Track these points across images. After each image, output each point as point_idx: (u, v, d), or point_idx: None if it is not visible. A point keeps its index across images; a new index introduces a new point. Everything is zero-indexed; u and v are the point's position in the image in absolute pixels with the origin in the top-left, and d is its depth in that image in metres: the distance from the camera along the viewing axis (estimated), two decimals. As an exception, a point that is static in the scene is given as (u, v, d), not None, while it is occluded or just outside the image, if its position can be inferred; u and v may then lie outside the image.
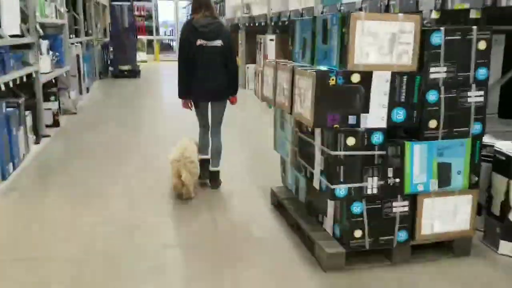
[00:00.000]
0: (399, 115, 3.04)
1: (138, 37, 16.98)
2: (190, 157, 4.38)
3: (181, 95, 4.68)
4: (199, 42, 4.49)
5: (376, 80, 2.96)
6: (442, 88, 3.07)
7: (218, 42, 4.52)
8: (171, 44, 25.05)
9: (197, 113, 4.78)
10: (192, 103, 4.70)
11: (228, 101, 4.76)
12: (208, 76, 4.54)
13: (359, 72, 2.94)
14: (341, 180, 3.01)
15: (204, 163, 4.75)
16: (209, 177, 4.81)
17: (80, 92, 9.93)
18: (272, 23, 9.76)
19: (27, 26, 6.23)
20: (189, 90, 4.62)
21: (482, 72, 3.12)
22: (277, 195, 4.12)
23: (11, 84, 5.32)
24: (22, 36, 5.96)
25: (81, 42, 10.64)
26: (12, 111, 5.21)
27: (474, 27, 3.08)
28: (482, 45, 3.09)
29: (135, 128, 7.62)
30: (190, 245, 3.62)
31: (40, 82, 6.42)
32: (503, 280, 3.12)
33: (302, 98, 3.13)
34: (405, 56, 3.00)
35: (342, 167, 3.00)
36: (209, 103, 4.72)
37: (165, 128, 7.61)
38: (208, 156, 4.80)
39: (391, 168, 3.06)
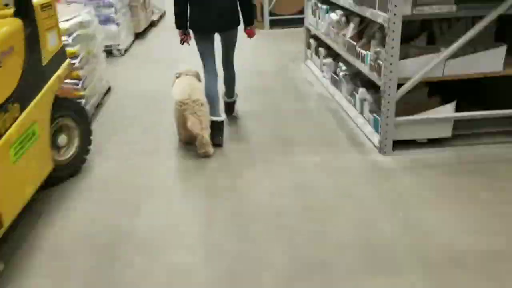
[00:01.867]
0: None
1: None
2: (200, 100, 3.67)
3: (179, 26, 3.85)
4: None
5: None
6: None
7: None
8: None
9: (200, 49, 3.93)
10: (192, 36, 3.91)
11: (242, 32, 3.98)
12: (213, 0, 3.68)
13: None
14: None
15: (215, 125, 3.87)
16: (224, 107, 4.36)
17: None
18: None
19: None
20: (188, 19, 3.81)
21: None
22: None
23: None
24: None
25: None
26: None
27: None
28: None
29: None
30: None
31: None
32: None
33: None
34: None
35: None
36: (216, 35, 3.91)
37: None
38: (222, 118, 3.96)
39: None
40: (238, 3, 3.81)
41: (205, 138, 3.62)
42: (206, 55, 3.93)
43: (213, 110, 3.90)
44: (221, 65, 4.14)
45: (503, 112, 3.61)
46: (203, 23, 3.78)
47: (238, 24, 3.91)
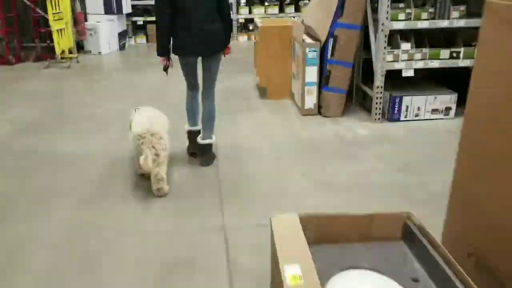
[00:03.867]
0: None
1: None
2: (159, 133, 3.47)
3: (161, 52, 3.63)
4: None
5: None
6: None
7: None
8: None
9: (185, 71, 3.80)
10: (172, 62, 3.75)
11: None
12: (199, 24, 3.55)
13: None
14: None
15: (192, 135, 3.98)
16: (198, 151, 4.00)
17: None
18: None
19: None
20: (171, 46, 3.66)
21: None
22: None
23: None
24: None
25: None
26: None
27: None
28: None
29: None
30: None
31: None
32: None
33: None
34: None
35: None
36: (200, 59, 3.76)
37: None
38: (198, 127, 3.96)
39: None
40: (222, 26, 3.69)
41: (160, 174, 3.39)
42: (190, 75, 3.84)
43: (192, 121, 3.97)
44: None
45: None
46: (189, 47, 3.64)
47: (224, 48, 3.77)
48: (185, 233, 2.99)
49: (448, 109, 4.92)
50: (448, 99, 4.90)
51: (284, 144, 4.41)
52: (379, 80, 4.79)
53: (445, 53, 4.81)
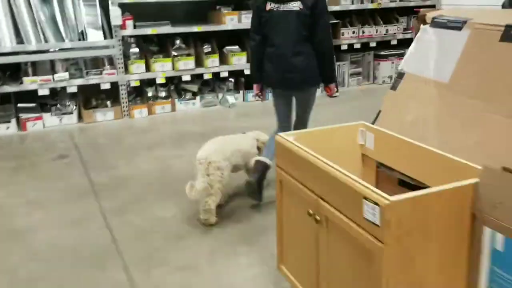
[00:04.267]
0: None
1: None
2: (216, 162, 3.22)
3: (253, 79, 3.64)
4: (268, 6, 3.36)
5: None
6: None
7: (296, 5, 3.28)
8: None
9: (274, 101, 3.64)
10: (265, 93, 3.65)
11: (320, 90, 3.66)
12: (281, 54, 3.36)
13: None
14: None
15: (259, 168, 3.39)
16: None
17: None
18: None
19: None
20: (260, 74, 3.52)
21: None
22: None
23: None
24: None
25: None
26: None
27: None
28: None
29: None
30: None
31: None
32: None
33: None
34: None
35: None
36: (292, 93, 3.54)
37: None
38: (269, 162, 3.42)
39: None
40: (316, 59, 3.40)
41: (208, 205, 3.17)
42: (279, 113, 3.64)
43: (267, 152, 3.46)
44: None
45: None
46: (273, 77, 3.48)
47: (313, 85, 3.52)
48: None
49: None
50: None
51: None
52: None
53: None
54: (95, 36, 5.67)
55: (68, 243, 3.09)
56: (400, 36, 7.31)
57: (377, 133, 2.31)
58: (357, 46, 7.11)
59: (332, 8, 6.60)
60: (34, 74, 5.51)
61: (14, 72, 5.62)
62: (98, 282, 2.68)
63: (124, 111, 5.91)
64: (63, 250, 3.00)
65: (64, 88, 5.71)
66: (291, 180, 2.14)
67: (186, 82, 6.32)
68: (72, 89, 5.69)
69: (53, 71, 5.64)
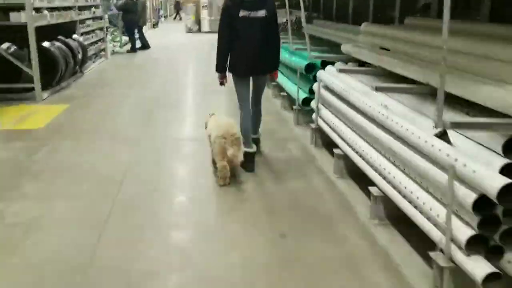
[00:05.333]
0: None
1: None
2: (236, 134, 4.14)
3: (219, 70, 4.40)
4: (242, 13, 4.21)
5: None
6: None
7: (262, 12, 4.24)
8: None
9: (239, 88, 4.48)
10: (226, 79, 4.50)
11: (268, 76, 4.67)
12: (252, 49, 4.29)
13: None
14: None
15: (248, 156, 4.39)
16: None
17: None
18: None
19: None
20: (228, 65, 4.39)
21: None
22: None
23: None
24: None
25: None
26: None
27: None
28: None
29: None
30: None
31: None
32: None
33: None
34: None
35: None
36: (251, 78, 4.50)
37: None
38: (254, 149, 4.48)
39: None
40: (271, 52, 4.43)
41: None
42: (243, 95, 4.49)
43: (247, 143, 4.41)
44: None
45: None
46: (243, 68, 4.37)
47: (275, 69, 4.57)
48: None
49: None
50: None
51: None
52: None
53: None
54: None
55: None
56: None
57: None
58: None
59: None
60: None
61: None
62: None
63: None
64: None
65: None
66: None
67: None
68: None
69: None
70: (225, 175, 4.05)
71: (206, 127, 4.57)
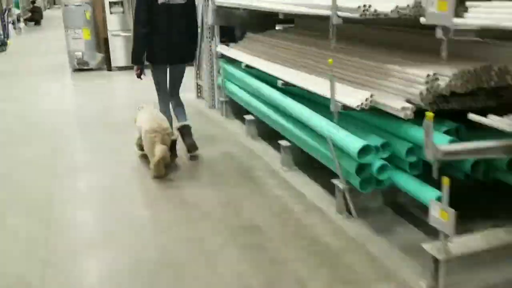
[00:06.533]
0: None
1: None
2: (168, 129, 4.11)
3: (137, 61, 4.28)
4: (161, 0, 4.14)
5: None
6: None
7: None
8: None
9: (159, 77, 4.44)
10: (145, 72, 4.37)
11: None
12: (172, 37, 4.25)
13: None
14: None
15: (185, 129, 4.51)
16: (181, 136, 4.52)
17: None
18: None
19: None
20: (146, 56, 4.30)
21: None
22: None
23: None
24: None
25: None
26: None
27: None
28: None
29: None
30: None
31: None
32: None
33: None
34: None
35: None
36: (168, 67, 4.43)
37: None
38: (188, 122, 4.55)
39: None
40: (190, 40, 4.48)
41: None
42: (161, 84, 4.49)
43: (180, 118, 4.55)
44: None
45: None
46: (164, 54, 4.31)
47: (190, 60, 4.71)
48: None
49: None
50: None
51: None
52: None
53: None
54: None
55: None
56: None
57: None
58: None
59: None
60: None
61: None
62: None
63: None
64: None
65: None
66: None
67: None
68: None
69: None
70: (160, 174, 4.05)
71: (135, 122, 4.41)
